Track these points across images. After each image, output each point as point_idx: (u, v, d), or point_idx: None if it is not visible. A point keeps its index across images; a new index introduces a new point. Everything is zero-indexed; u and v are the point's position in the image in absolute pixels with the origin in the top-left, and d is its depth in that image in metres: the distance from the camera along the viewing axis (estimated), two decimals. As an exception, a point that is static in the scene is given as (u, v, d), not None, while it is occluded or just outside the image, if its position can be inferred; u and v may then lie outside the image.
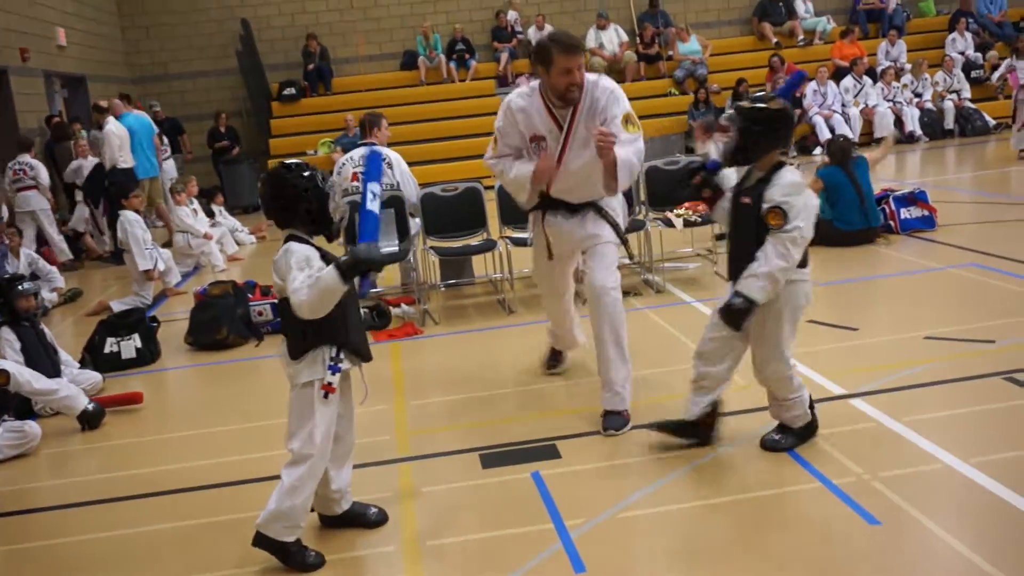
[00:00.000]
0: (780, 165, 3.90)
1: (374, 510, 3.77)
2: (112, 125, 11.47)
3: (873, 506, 3.51)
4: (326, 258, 3.39)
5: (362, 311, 3.74)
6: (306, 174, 3.44)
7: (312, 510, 3.66)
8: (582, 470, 4.11)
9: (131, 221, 8.43)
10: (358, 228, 3.50)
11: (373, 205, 3.53)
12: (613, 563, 3.33)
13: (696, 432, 4.17)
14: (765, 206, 3.79)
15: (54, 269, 9.45)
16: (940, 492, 3.68)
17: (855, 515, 3.47)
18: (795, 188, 3.82)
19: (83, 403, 5.35)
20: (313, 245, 3.45)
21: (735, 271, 3.93)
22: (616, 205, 4.73)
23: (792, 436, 4.11)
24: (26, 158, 11.19)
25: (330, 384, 3.43)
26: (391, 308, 7.15)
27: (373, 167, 3.71)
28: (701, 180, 4.09)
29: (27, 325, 5.79)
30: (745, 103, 3.93)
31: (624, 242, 4.76)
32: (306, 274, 3.29)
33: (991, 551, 3.16)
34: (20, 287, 5.83)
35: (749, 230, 3.87)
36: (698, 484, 3.88)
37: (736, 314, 3.83)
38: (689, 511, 3.68)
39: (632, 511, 3.69)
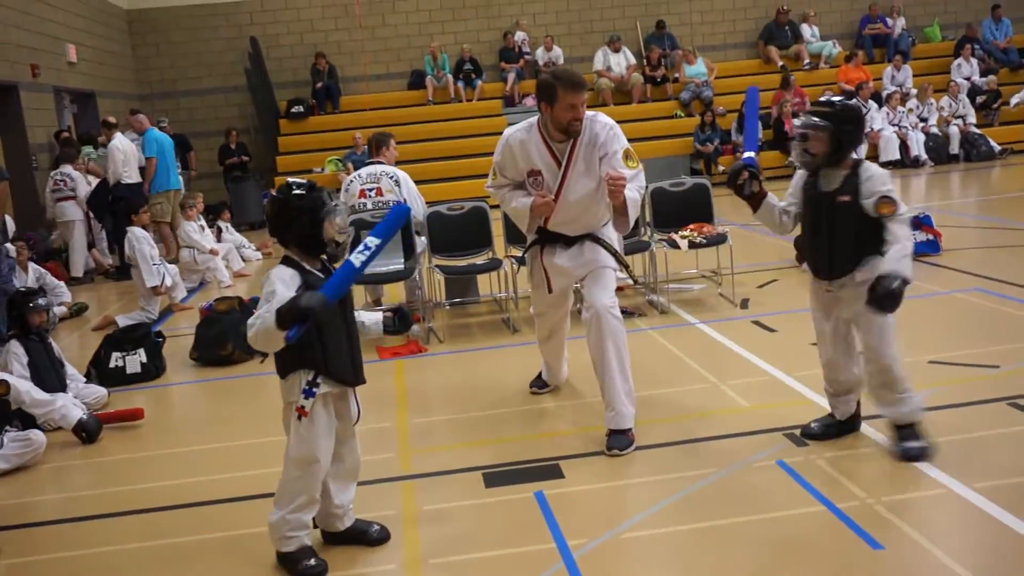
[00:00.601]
0: (860, 160, 4.11)
1: (376, 527, 3.78)
2: (117, 140, 11.53)
3: (876, 530, 3.51)
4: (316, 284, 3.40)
5: (384, 315, 3.75)
6: (301, 194, 3.44)
7: (315, 526, 3.67)
8: (585, 490, 4.11)
9: (139, 238, 8.47)
10: (329, 281, 3.38)
11: (358, 258, 3.37)
12: (615, 584, 3.33)
13: (852, 426, 4.41)
14: (871, 200, 3.95)
15: (61, 284, 9.49)
16: (943, 517, 3.67)
17: (858, 539, 3.47)
18: (887, 177, 4.03)
19: (77, 415, 5.36)
20: (305, 268, 3.45)
21: (834, 266, 4.09)
22: (612, 235, 4.80)
23: (917, 435, 4.14)
24: (68, 169, 11.53)
25: (302, 407, 3.43)
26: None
27: (390, 224, 3.53)
28: (748, 175, 4.23)
29: (36, 339, 5.82)
30: (833, 104, 4.07)
31: (625, 266, 4.82)
32: (265, 308, 3.30)
33: (994, 577, 3.16)
34: (34, 302, 5.86)
35: (848, 226, 4.02)
36: (701, 506, 3.87)
37: (898, 296, 3.79)
38: (691, 533, 3.67)
39: (634, 532, 3.69)
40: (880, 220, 3.95)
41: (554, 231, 4.74)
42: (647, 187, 7.72)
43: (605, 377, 4.60)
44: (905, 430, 4.15)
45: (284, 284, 3.37)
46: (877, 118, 16.05)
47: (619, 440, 4.51)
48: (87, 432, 5.34)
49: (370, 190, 7.39)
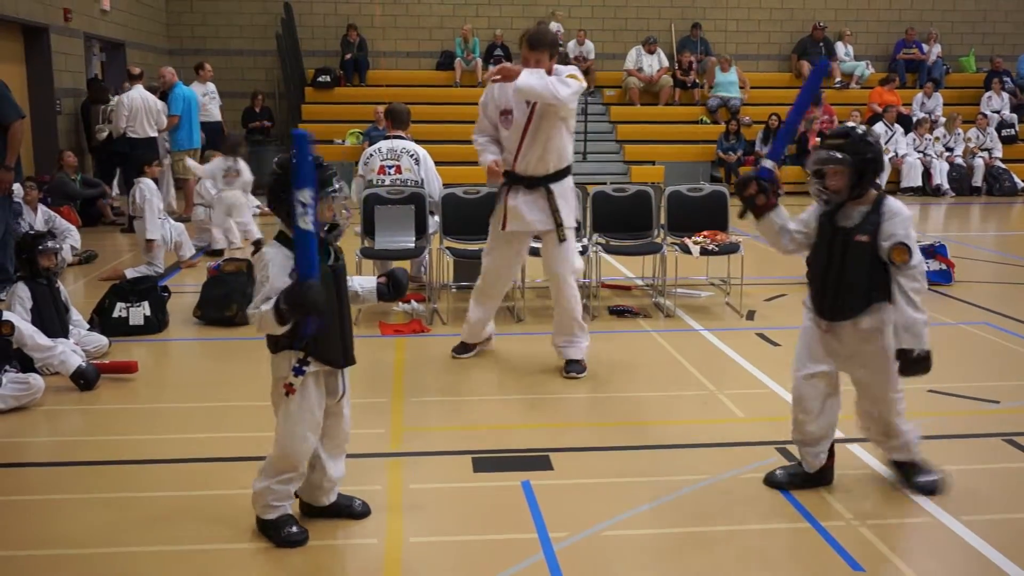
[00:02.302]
0: (883, 196, 3.80)
1: (359, 502, 3.78)
2: (125, 95, 11.54)
3: (858, 552, 3.50)
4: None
5: (378, 281, 3.73)
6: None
7: (297, 497, 3.69)
8: (572, 484, 4.11)
9: (150, 189, 8.48)
10: (295, 259, 3.29)
11: (305, 220, 3.22)
12: (592, 580, 3.33)
13: (820, 479, 4.08)
14: (888, 243, 3.69)
15: (72, 228, 9.52)
16: (926, 545, 3.66)
17: (839, 559, 3.46)
18: (909, 221, 3.76)
19: (76, 363, 5.38)
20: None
21: (841, 308, 3.82)
22: (569, 192, 5.55)
23: (926, 469, 4.03)
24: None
25: (291, 385, 3.43)
26: (400, 304, 7.17)
27: (302, 164, 3.25)
28: (757, 188, 3.93)
29: (43, 283, 5.83)
30: (849, 135, 3.74)
31: (559, 225, 5.42)
32: (263, 295, 3.31)
33: (972, 610, 3.15)
34: (43, 245, 5.88)
35: (861, 268, 3.74)
36: (686, 512, 3.87)
37: (925, 362, 3.71)
38: (674, 537, 3.67)
39: (617, 530, 3.68)
40: (892, 268, 3.72)
41: (520, 173, 5.41)
42: (665, 190, 7.78)
43: (565, 330, 5.58)
44: (913, 466, 4.07)
45: (279, 270, 3.34)
46: (903, 143, 15.97)
47: (576, 366, 5.53)
48: (85, 380, 5.36)
49: (390, 167, 7.39)
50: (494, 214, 5.65)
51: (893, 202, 3.79)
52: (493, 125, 5.52)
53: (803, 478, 4.07)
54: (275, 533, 3.54)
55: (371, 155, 7.50)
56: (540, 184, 5.42)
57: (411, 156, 7.43)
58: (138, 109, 11.42)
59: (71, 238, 9.24)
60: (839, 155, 3.69)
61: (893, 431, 4.00)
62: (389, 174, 7.35)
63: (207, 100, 13.47)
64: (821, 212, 3.88)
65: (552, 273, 5.57)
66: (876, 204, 3.77)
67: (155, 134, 11.54)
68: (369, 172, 7.37)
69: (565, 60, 17.46)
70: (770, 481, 4.09)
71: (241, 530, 3.65)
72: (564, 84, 5.16)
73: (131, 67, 12.62)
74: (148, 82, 12.34)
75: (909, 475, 4.06)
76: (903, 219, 3.73)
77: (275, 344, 3.45)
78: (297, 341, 3.38)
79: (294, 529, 3.55)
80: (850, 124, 3.91)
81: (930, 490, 3.99)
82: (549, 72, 5.21)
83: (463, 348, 6.04)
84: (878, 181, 3.86)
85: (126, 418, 5.03)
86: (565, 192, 5.51)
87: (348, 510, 3.75)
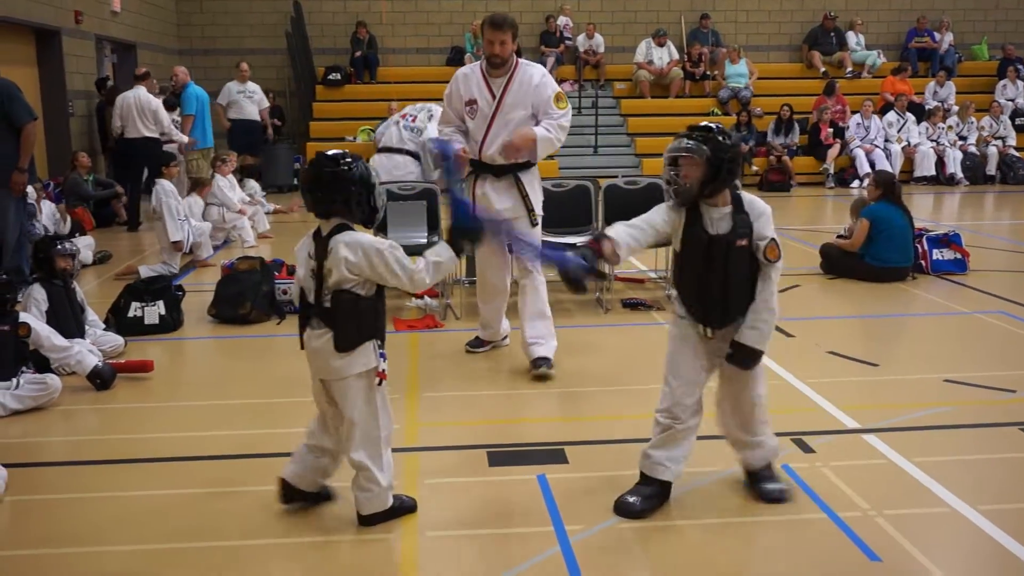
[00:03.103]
0: (739, 194, 3.69)
1: (330, 488, 3.86)
2: (120, 96, 11.50)
3: (875, 542, 3.49)
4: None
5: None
6: (355, 164, 3.49)
7: (284, 482, 3.72)
8: (588, 477, 4.11)
9: (166, 191, 8.51)
10: (453, 212, 3.74)
11: (462, 195, 3.94)
12: (609, 573, 3.33)
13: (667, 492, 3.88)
14: (762, 242, 3.61)
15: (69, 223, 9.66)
16: (944, 535, 3.65)
17: (856, 549, 3.45)
18: (770, 217, 3.68)
19: (92, 362, 5.41)
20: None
21: (727, 315, 3.68)
22: (536, 181, 5.58)
23: (773, 477, 3.93)
24: None
25: (384, 371, 3.54)
26: (413, 299, 7.19)
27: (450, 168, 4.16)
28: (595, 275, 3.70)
29: (59, 284, 5.86)
30: (707, 131, 3.61)
31: (530, 211, 5.49)
32: (399, 258, 3.45)
33: (990, 599, 3.14)
34: (60, 246, 5.91)
35: (744, 272, 3.64)
36: (702, 503, 3.86)
37: (759, 356, 3.69)
38: (690, 529, 3.67)
39: (632, 523, 3.68)
40: (762, 263, 3.63)
41: (486, 162, 5.45)
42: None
43: (531, 324, 5.58)
44: (762, 472, 3.93)
45: (381, 239, 3.53)
46: (915, 132, 15.89)
47: (546, 362, 5.48)
48: (102, 379, 5.39)
49: (409, 115, 7.64)
50: None
51: (754, 199, 3.69)
52: (459, 116, 5.55)
53: (659, 495, 3.81)
54: (399, 511, 3.70)
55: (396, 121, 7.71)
56: (508, 172, 5.46)
57: (428, 112, 7.62)
58: (129, 108, 11.27)
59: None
60: (696, 145, 3.56)
61: (751, 424, 3.86)
62: (406, 120, 7.73)
63: (241, 98, 13.59)
64: (685, 220, 3.69)
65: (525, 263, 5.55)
66: (738, 204, 3.65)
67: (151, 134, 11.36)
68: (388, 123, 7.71)
69: (574, 55, 17.51)
70: (626, 511, 3.74)
71: (257, 526, 3.67)
72: (562, 128, 5.39)
73: (138, 68, 12.66)
74: (159, 83, 12.38)
75: (757, 480, 3.92)
76: (768, 216, 3.67)
77: (358, 338, 3.47)
78: (377, 330, 3.54)
79: (406, 499, 3.77)
80: (713, 124, 3.69)
81: (777, 498, 3.85)
82: (518, 53, 5.52)
83: (477, 343, 6.07)
84: (738, 182, 3.72)
85: (142, 417, 5.06)
86: (533, 181, 5.55)
87: (327, 498, 3.83)
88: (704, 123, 3.69)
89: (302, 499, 3.77)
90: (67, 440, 4.83)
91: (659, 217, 3.72)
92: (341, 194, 3.46)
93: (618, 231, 3.66)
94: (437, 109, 7.63)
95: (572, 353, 5.86)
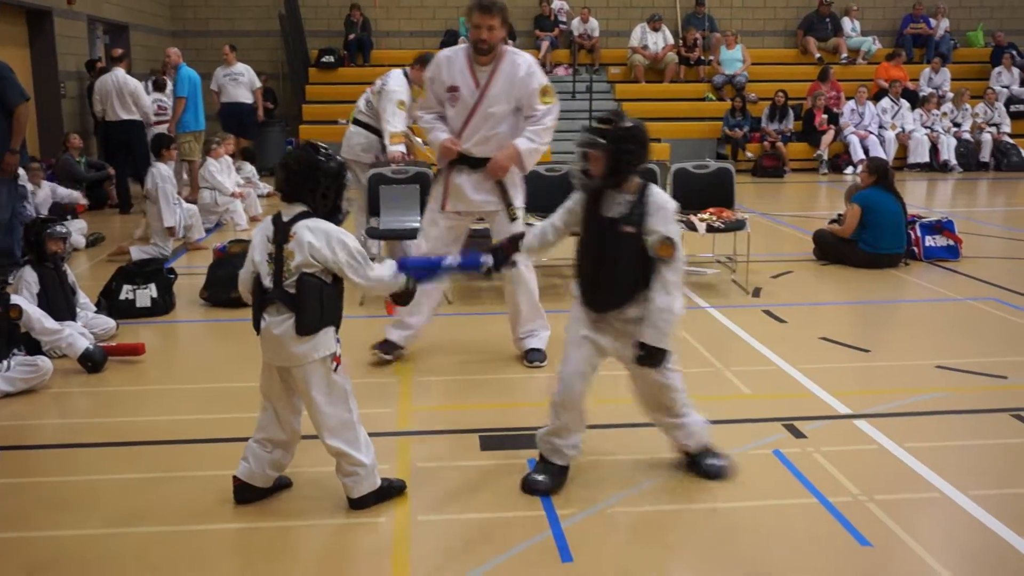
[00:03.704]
0: (647, 185, 3.71)
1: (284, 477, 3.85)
2: (99, 79, 11.37)
3: (865, 528, 3.50)
4: None
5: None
6: (331, 159, 3.53)
7: (239, 481, 3.69)
8: (579, 462, 4.10)
9: (163, 176, 8.47)
10: (421, 269, 3.79)
11: (448, 264, 3.88)
12: (600, 556, 3.34)
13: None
14: (654, 237, 3.61)
15: (74, 192, 9.63)
16: (934, 520, 3.66)
17: (846, 534, 3.47)
18: (673, 214, 3.68)
19: (84, 345, 5.40)
20: None
21: (611, 300, 3.73)
22: (515, 174, 5.30)
23: (713, 452, 3.98)
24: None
25: (339, 356, 3.55)
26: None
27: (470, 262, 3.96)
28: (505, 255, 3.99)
29: (50, 267, 5.84)
30: (612, 123, 3.65)
31: (508, 205, 5.26)
32: (376, 266, 3.53)
33: (979, 584, 3.15)
34: (51, 229, 5.89)
35: (630, 259, 3.66)
36: (692, 488, 3.87)
37: (661, 356, 3.69)
38: (680, 513, 3.68)
39: (623, 507, 3.70)
40: (656, 260, 3.64)
41: (464, 153, 5.19)
42: (671, 167, 7.75)
43: (523, 316, 5.45)
44: (699, 453, 3.97)
45: (347, 231, 3.52)
46: (909, 119, 15.88)
47: (539, 354, 5.41)
48: (92, 362, 5.37)
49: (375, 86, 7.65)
50: (432, 193, 5.41)
51: (658, 194, 3.70)
52: (439, 102, 5.28)
53: (561, 476, 3.90)
54: (388, 492, 3.71)
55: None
56: (485, 164, 5.19)
57: (381, 84, 7.48)
58: (109, 92, 11.10)
59: (75, 200, 9.38)
60: (599, 140, 3.61)
61: (670, 403, 3.90)
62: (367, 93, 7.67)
63: (227, 81, 13.49)
64: (586, 202, 3.78)
65: None
66: (641, 194, 3.68)
67: (131, 116, 11.22)
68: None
69: (569, 39, 17.43)
70: (533, 489, 3.83)
71: (248, 510, 3.67)
72: (546, 131, 5.17)
73: (113, 49, 12.47)
74: (151, 64, 12.31)
75: (697, 458, 3.97)
76: (667, 213, 3.66)
77: (318, 324, 3.47)
78: (336, 317, 3.56)
79: (396, 481, 3.78)
80: (617, 114, 3.76)
81: (718, 473, 3.91)
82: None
83: (389, 346, 5.53)
84: (651, 169, 3.76)
85: (134, 399, 5.05)
86: (513, 174, 5.28)
87: (282, 482, 3.82)
88: (608, 113, 3.77)
89: (259, 496, 3.74)
90: (60, 423, 4.81)
91: (569, 204, 3.90)
92: (311, 182, 3.47)
93: (529, 233, 4.01)
94: (395, 75, 7.40)
95: (562, 338, 5.84)
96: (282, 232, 3.47)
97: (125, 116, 11.22)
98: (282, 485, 3.82)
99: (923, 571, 3.27)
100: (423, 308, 5.42)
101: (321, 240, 3.43)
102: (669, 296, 3.64)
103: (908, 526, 3.54)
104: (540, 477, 3.85)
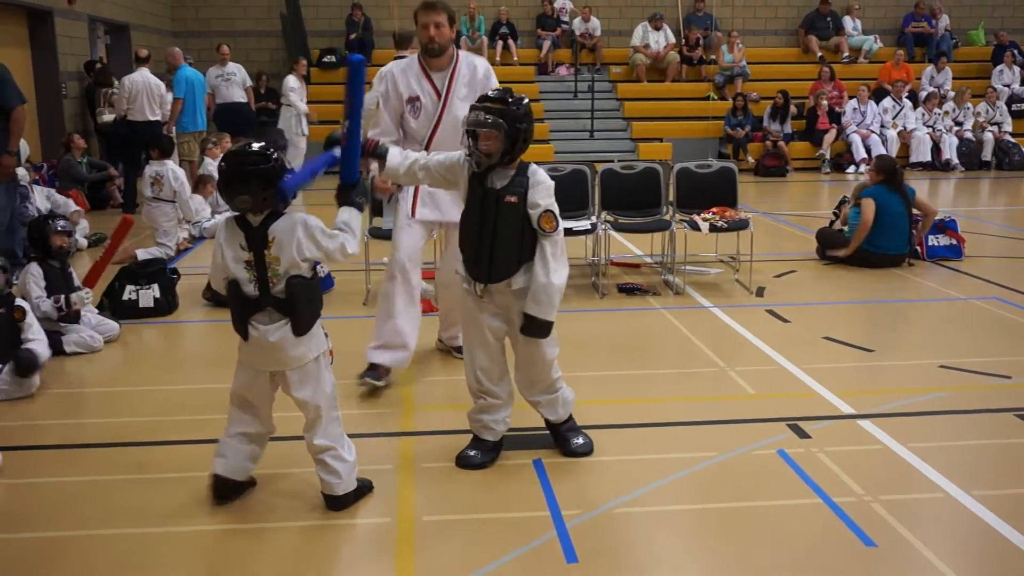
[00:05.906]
0: (528, 164, 3.85)
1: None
2: (127, 77, 11.39)
3: (870, 528, 3.50)
4: None
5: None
6: (260, 159, 3.35)
7: (218, 478, 3.67)
8: (584, 462, 4.11)
9: (178, 177, 8.50)
10: (344, 165, 3.65)
11: (357, 135, 3.71)
12: (605, 557, 3.33)
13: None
14: (536, 211, 3.75)
15: (70, 201, 9.62)
16: (939, 521, 3.66)
17: (851, 535, 3.46)
18: (551, 190, 3.82)
19: (46, 355, 5.18)
20: None
21: (493, 270, 3.82)
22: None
23: (577, 429, 4.20)
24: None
25: (331, 350, 3.59)
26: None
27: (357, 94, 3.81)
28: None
29: (55, 264, 5.84)
30: (503, 102, 3.73)
31: None
32: (338, 234, 3.48)
33: (985, 584, 3.15)
34: (55, 224, 5.88)
35: (512, 229, 3.77)
36: (697, 489, 3.87)
37: (547, 327, 3.84)
38: (685, 514, 3.68)
39: (628, 508, 3.69)
40: (538, 233, 3.76)
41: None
42: (674, 167, 7.74)
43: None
44: (565, 426, 4.17)
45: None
46: (911, 118, 15.87)
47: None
48: (20, 365, 4.99)
49: None
50: (401, 200, 5.15)
51: (538, 171, 3.84)
52: (397, 118, 5.04)
53: (495, 448, 4.12)
54: (363, 490, 3.73)
55: None
56: None
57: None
58: (139, 92, 11.17)
59: (70, 207, 9.38)
60: (493, 119, 3.68)
61: (545, 379, 4.04)
62: None
63: (220, 82, 13.44)
64: (471, 177, 3.85)
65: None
66: (522, 169, 3.82)
67: (156, 117, 11.35)
68: None
69: (571, 38, 17.43)
70: (466, 464, 4.05)
71: (254, 510, 3.67)
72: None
73: (138, 49, 12.56)
74: (155, 65, 12.30)
75: (564, 438, 4.16)
76: (547, 187, 3.80)
77: (309, 322, 3.47)
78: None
79: (366, 480, 3.78)
80: (508, 91, 3.85)
81: (584, 451, 4.13)
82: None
83: (377, 374, 5.05)
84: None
85: (136, 400, 5.03)
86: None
87: (250, 484, 3.81)
88: (499, 91, 3.85)
89: (237, 492, 3.73)
90: (61, 423, 4.80)
91: (454, 158, 3.92)
92: (251, 182, 3.31)
93: (399, 155, 3.99)
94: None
95: (567, 338, 5.84)
96: (259, 238, 3.38)
97: (151, 117, 11.27)
98: (251, 484, 3.81)
99: (928, 571, 3.26)
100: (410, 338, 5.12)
101: (303, 237, 3.39)
102: (549, 270, 3.77)
103: (913, 526, 3.53)
104: (472, 452, 4.07)
